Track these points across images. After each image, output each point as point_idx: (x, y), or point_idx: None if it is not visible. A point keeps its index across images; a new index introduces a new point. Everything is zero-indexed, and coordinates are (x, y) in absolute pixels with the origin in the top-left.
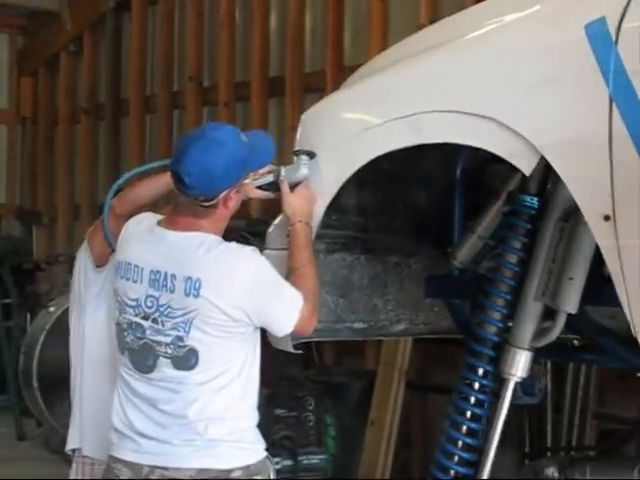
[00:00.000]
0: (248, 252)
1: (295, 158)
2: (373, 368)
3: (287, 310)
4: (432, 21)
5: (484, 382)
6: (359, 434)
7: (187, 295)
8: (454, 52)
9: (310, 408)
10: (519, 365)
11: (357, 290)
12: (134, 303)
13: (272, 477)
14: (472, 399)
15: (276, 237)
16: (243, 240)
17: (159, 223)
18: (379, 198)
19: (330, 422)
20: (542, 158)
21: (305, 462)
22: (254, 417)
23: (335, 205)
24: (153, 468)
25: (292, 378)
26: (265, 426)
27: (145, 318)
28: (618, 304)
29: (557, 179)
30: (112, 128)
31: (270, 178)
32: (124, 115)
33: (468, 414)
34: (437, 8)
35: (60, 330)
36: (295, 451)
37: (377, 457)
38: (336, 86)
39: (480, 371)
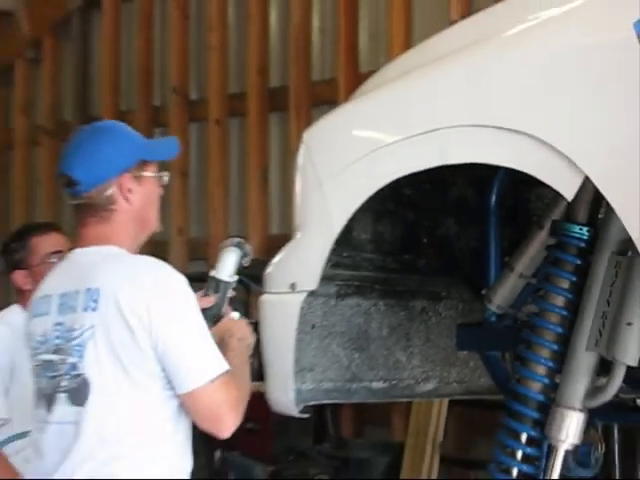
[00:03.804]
0: (165, 265)
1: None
2: (401, 439)
3: (199, 360)
4: (465, 17)
5: (528, 450)
6: None
7: (86, 309)
8: (485, 55)
9: None
10: (569, 429)
11: (375, 342)
12: (42, 339)
13: None
14: (514, 471)
15: (277, 279)
16: (242, 285)
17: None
18: (400, 231)
19: None
20: (588, 179)
21: None
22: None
23: (347, 240)
24: None
25: (302, 452)
26: None
27: (55, 352)
28: None
29: (609, 204)
30: None
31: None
32: None
33: None
34: (471, 2)
35: None
36: None
37: None
38: (350, 98)
39: (523, 437)
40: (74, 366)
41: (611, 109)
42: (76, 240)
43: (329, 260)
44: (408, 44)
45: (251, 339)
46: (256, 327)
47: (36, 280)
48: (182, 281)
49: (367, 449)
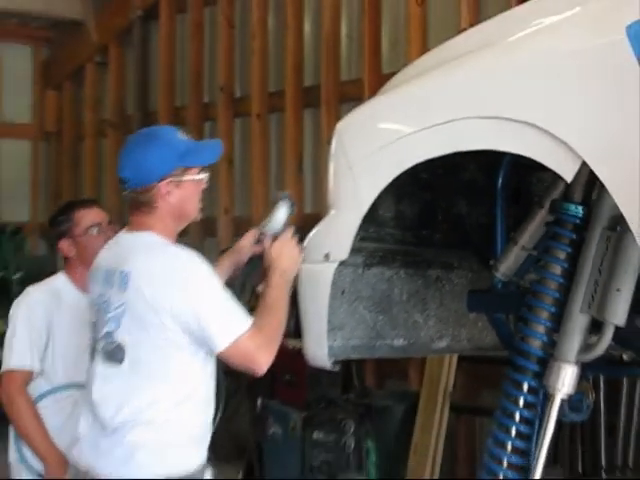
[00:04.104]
0: (187, 252)
1: (272, 205)
2: (416, 390)
3: (221, 325)
4: (474, 25)
5: (529, 398)
6: (402, 460)
7: (120, 288)
8: (493, 56)
9: (350, 432)
10: (565, 380)
11: (397, 306)
12: (93, 303)
13: None
14: (517, 416)
15: (312, 250)
16: None
17: (124, 229)
18: (418, 209)
19: (371, 447)
20: (584, 164)
21: None
22: (193, 430)
23: (373, 217)
24: (84, 472)
25: (331, 400)
26: (302, 451)
27: (96, 315)
28: None
29: (602, 186)
30: None
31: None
32: None
33: (513, 432)
34: (480, 12)
35: None
36: (334, 477)
37: None
38: (374, 95)
39: (525, 387)
40: (110, 334)
41: (605, 102)
42: (127, 224)
43: (357, 234)
44: (424, 49)
45: (293, 272)
46: (293, 293)
47: (79, 248)
48: (199, 264)
49: (387, 398)
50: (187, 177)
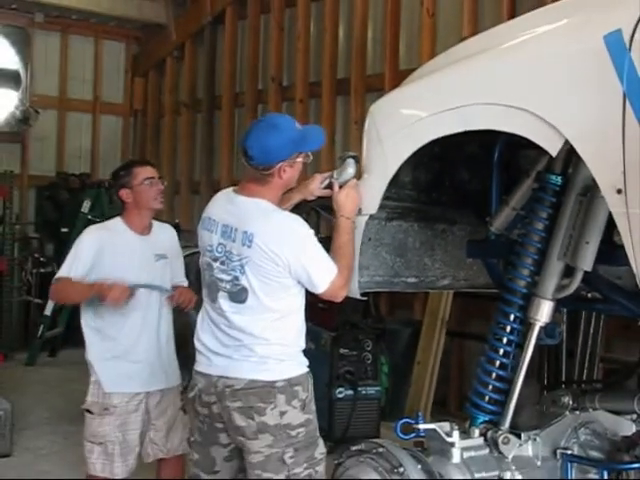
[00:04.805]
0: (296, 218)
1: (341, 161)
2: (420, 318)
3: (322, 274)
4: (473, 34)
5: (514, 326)
6: (407, 372)
7: (243, 245)
8: (496, 56)
9: (368, 349)
10: (543, 312)
11: (411, 251)
12: (210, 247)
13: (310, 389)
14: (504, 339)
15: None
16: (315, 213)
17: (234, 190)
18: (430, 176)
19: (384, 361)
20: (566, 142)
21: (363, 392)
22: (298, 344)
23: (395, 181)
24: (219, 378)
25: (354, 324)
26: (331, 362)
27: (215, 260)
28: (625, 264)
29: (578, 161)
30: (207, 120)
31: (327, 181)
32: (217, 109)
33: (501, 351)
34: (478, 24)
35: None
36: (355, 383)
37: (422, 391)
38: (393, 87)
39: (511, 317)
40: (236, 278)
41: (585, 95)
42: (241, 186)
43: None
44: (433, 52)
45: (355, 214)
46: (325, 241)
47: (135, 196)
48: (304, 226)
49: (397, 324)
50: (299, 159)
